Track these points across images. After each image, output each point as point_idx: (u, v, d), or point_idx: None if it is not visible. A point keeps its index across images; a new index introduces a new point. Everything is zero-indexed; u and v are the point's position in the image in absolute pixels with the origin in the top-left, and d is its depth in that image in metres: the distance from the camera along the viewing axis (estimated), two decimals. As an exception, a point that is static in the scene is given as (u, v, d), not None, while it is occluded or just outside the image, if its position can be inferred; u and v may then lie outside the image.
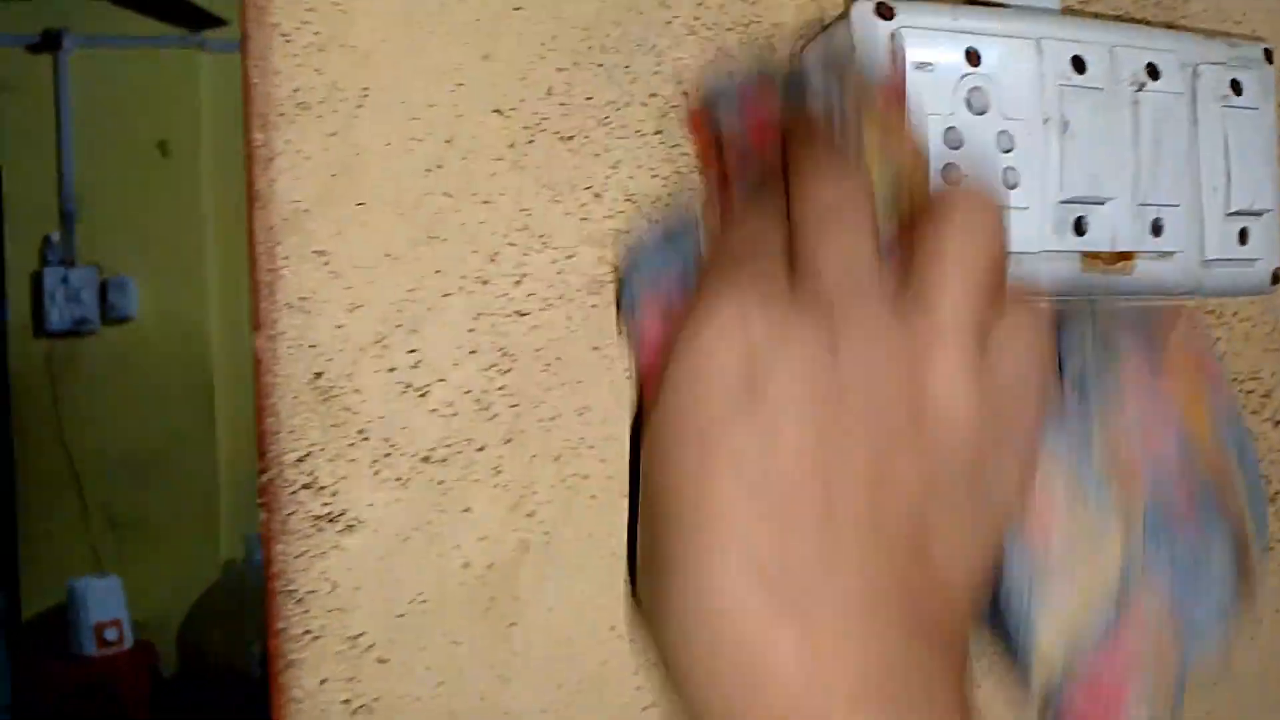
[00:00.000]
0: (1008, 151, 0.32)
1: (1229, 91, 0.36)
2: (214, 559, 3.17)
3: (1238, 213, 0.36)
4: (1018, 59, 0.32)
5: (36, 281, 2.98)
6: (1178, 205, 0.35)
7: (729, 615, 0.21)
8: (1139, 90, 0.34)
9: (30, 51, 3.01)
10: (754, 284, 0.23)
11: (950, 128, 0.32)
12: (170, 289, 3.06)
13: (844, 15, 0.32)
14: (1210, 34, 0.38)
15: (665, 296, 0.27)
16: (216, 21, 2.63)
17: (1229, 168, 0.35)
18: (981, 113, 0.32)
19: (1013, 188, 0.32)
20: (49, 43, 3.00)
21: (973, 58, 0.32)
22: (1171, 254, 0.35)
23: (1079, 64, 0.33)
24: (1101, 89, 0.33)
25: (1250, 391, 0.43)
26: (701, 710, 0.22)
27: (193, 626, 3.18)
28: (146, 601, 3.04)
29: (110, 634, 2.90)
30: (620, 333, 0.32)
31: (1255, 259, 0.37)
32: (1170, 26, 0.40)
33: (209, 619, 3.14)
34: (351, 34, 0.30)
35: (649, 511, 0.24)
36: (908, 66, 0.31)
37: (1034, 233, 0.33)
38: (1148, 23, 0.39)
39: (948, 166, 0.31)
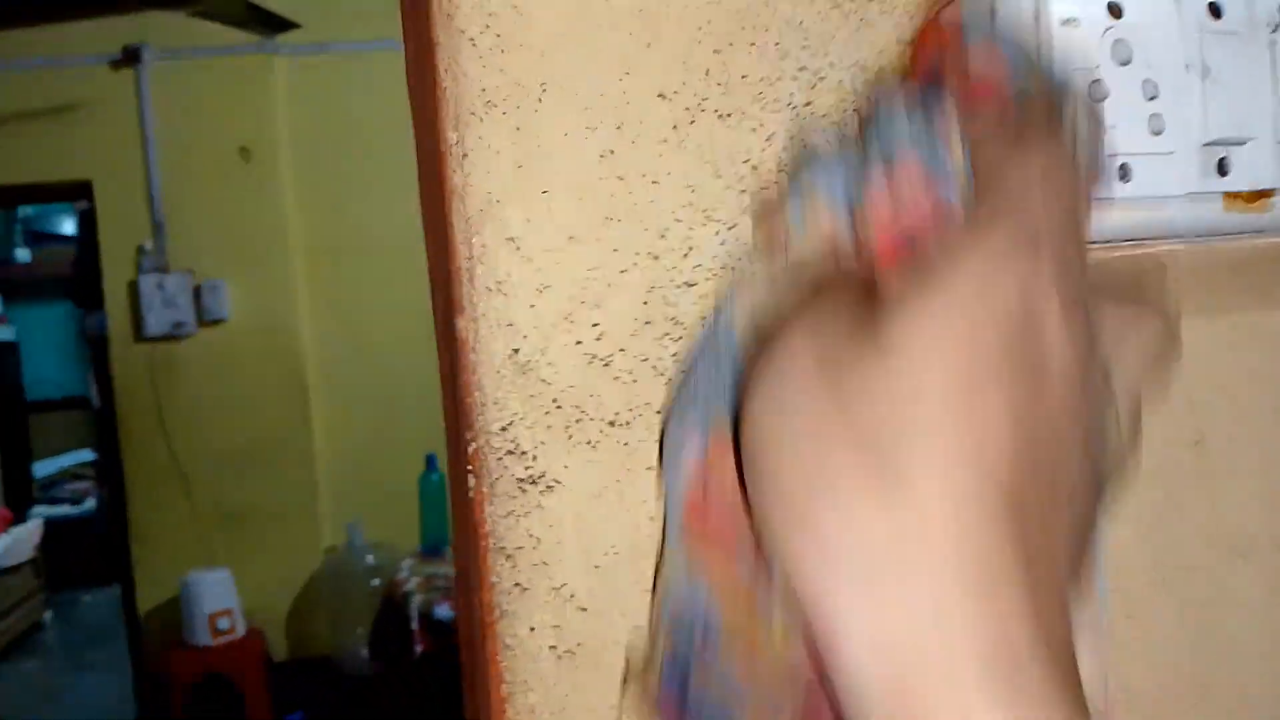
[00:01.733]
0: (1152, 99, 0.33)
1: (1360, 25, 0.36)
2: (316, 547, 3.30)
3: (1377, 146, 0.37)
4: (1157, 9, 0.34)
5: (133, 290, 3.11)
6: (1319, 141, 0.36)
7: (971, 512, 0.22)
8: (1274, 31, 0.35)
9: (112, 68, 3.13)
10: (1047, 253, 0.24)
11: (1096, 80, 0.33)
12: (260, 289, 3.17)
13: (985, -21, 0.34)
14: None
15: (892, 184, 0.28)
16: (289, 25, 2.70)
17: (1363, 101, 0.36)
18: (1125, 63, 0.33)
19: (1158, 134, 0.34)
20: (129, 58, 3.12)
21: (1115, 10, 0.33)
22: (1311, 189, 0.36)
23: (1215, 10, 0.34)
24: (1238, 33, 0.34)
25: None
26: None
27: (299, 613, 3.31)
28: (254, 590, 3.18)
29: (223, 623, 3.04)
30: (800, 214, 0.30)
31: (1395, 190, 0.37)
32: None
33: (315, 605, 3.27)
34: (529, 33, 0.33)
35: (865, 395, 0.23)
36: (1053, 22, 0.33)
37: (1179, 176, 0.34)
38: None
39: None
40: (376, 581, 3.08)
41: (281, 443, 3.23)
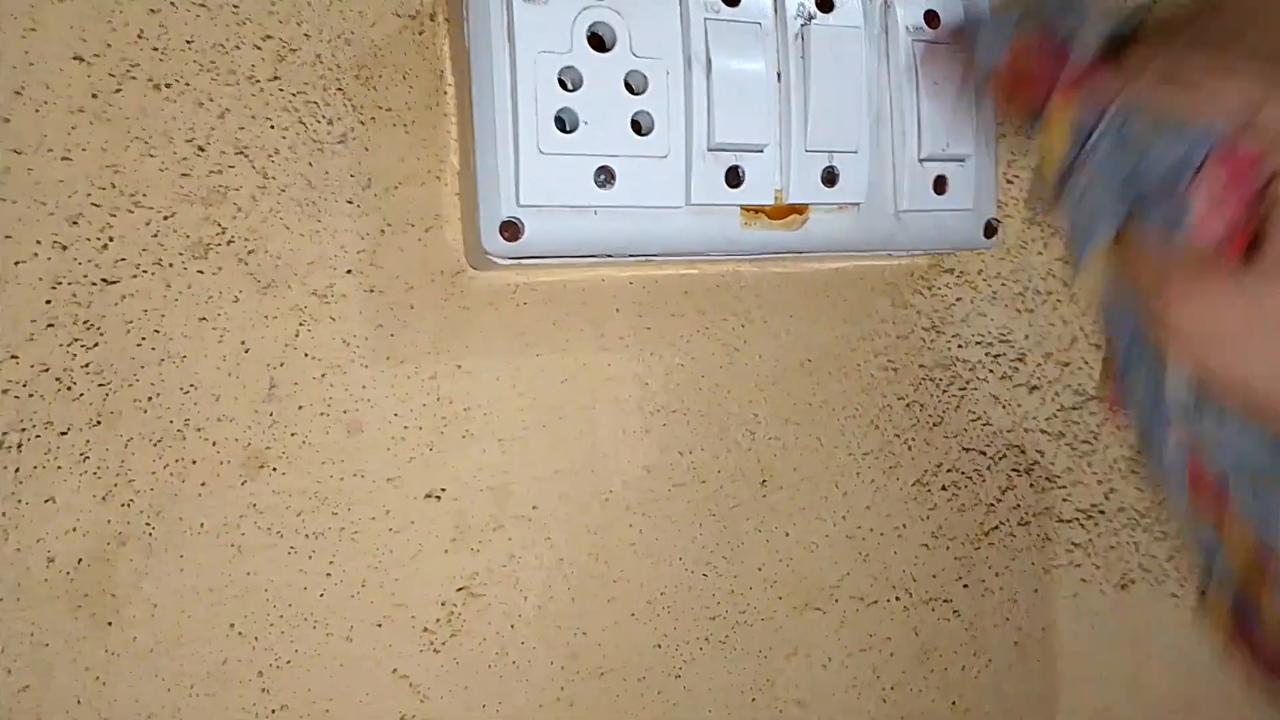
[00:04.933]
0: (639, 93, 0.29)
1: (923, 24, 0.33)
2: None
3: (931, 159, 0.33)
4: (652, -9, 0.29)
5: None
6: (854, 151, 0.32)
7: None
8: (806, 23, 0.31)
9: None
10: None
11: (567, 67, 0.28)
12: None
13: (463, -55, 0.29)
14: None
15: None
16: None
17: (920, 110, 0.32)
18: (607, 49, 0.29)
19: (646, 133, 0.29)
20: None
21: (596, -11, 0.29)
22: (853, 205, 0.32)
23: (730, -4, 0.30)
24: (756, 24, 0.30)
25: (999, 356, 0.40)
26: None
27: None
28: None
29: None
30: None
31: (961, 209, 0.34)
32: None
33: None
34: (-127, -30, 0.27)
35: None
36: (517, 1, 0.28)
37: (676, 184, 0.30)
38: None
39: (563, 110, 0.28)
40: None
41: None
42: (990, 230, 0.34)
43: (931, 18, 0.33)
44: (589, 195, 0.29)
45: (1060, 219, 0.28)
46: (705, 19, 0.29)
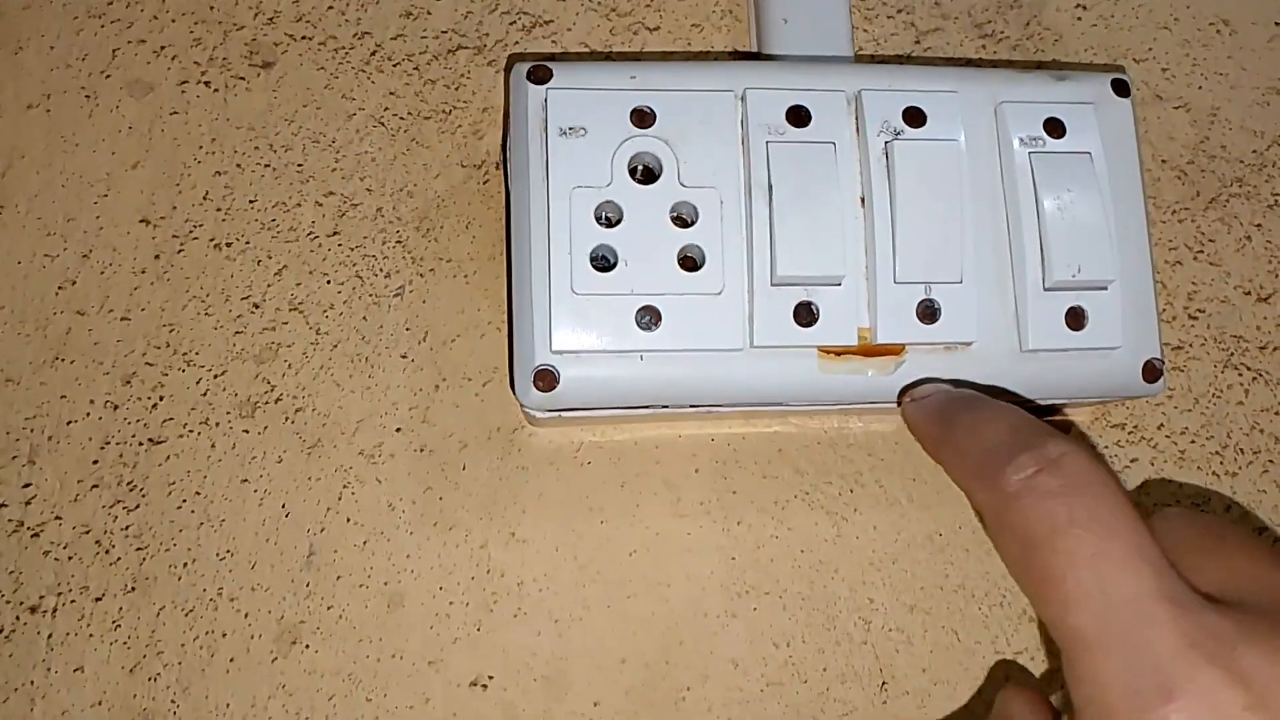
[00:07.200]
0: (688, 225, 0.26)
1: (1043, 133, 0.28)
2: None
3: (1061, 287, 0.27)
4: (708, 115, 0.26)
5: None
6: (957, 282, 0.27)
7: None
8: (891, 140, 0.27)
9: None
10: None
11: (606, 201, 0.26)
12: None
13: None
14: (1030, 66, 0.30)
15: None
16: None
17: (1043, 230, 0.27)
18: (650, 181, 0.26)
19: (696, 269, 0.26)
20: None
21: (643, 118, 0.26)
22: (962, 345, 0.27)
23: (799, 115, 0.27)
24: (830, 144, 0.27)
25: (1194, 532, 0.32)
26: None
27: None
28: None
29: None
30: None
31: (1108, 347, 0.27)
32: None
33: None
34: (-33, 149, 0.29)
35: None
36: (552, 134, 0.26)
37: (735, 323, 0.26)
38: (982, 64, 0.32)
39: (601, 247, 0.26)
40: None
41: None
42: (1152, 373, 0.28)
43: (1054, 126, 0.28)
44: (631, 338, 0.25)
45: None
46: (768, 141, 0.26)
